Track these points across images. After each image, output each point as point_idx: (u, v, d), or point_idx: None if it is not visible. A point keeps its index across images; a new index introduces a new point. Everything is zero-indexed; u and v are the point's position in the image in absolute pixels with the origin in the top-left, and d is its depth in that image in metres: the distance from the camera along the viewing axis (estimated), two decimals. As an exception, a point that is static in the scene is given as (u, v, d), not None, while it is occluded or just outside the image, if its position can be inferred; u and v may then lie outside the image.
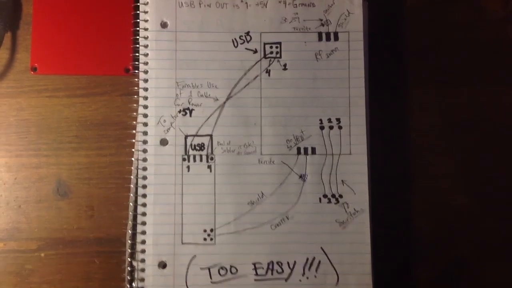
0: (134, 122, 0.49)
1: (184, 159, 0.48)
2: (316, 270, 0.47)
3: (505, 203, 0.50)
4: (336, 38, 0.50)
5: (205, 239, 0.48)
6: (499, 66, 0.52)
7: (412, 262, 0.49)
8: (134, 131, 0.49)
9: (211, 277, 0.47)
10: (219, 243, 0.47)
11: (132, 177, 0.48)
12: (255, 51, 0.50)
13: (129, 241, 0.48)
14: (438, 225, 0.50)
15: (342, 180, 0.48)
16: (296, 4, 0.50)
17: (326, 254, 0.47)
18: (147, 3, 0.50)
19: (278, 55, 0.50)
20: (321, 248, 0.48)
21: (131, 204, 0.48)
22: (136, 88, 0.49)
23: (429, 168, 0.50)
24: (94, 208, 0.49)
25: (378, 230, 0.48)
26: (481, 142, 0.51)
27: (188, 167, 0.48)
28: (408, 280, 0.49)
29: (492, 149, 0.51)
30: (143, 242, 0.47)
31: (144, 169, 0.48)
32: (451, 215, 0.50)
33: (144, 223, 0.48)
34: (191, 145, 0.49)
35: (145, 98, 0.49)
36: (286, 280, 0.47)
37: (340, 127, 0.49)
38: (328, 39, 0.50)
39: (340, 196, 0.48)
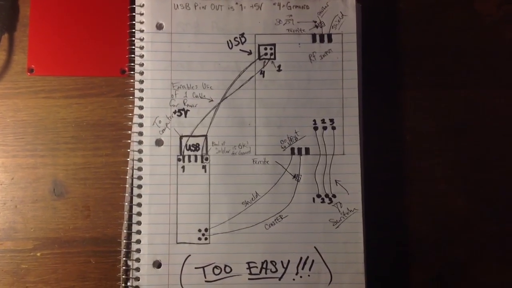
0: (130, 123, 0.49)
1: (179, 160, 0.49)
2: (310, 269, 0.48)
3: (501, 205, 0.50)
4: (330, 39, 0.50)
5: (199, 238, 0.48)
6: (493, 68, 0.52)
7: (406, 263, 0.50)
8: (129, 132, 0.49)
9: (205, 276, 0.48)
10: (214, 243, 0.48)
11: (127, 177, 0.49)
12: (250, 53, 0.50)
13: (124, 241, 0.48)
14: (432, 226, 0.50)
15: (335, 180, 0.49)
16: (290, 6, 0.50)
17: (319, 253, 0.48)
18: (143, 5, 0.50)
19: (273, 57, 0.50)
20: (315, 247, 0.48)
21: (126, 204, 0.48)
22: (131, 89, 0.50)
23: (423, 170, 0.51)
24: (90, 208, 0.50)
25: (372, 231, 0.49)
26: (476, 144, 0.51)
27: (183, 167, 0.49)
28: (402, 281, 0.49)
29: (488, 151, 0.51)
30: (138, 241, 0.48)
31: (140, 169, 0.48)
32: (445, 216, 0.50)
33: (139, 223, 0.48)
34: (186, 145, 0.49)
35: (141, 99, 0.49)
36: (279, 279, 0.48)
37: (333, 128, 0.49)
38: (322, 40, 0.50)
39: (334, 196, 0.48)
